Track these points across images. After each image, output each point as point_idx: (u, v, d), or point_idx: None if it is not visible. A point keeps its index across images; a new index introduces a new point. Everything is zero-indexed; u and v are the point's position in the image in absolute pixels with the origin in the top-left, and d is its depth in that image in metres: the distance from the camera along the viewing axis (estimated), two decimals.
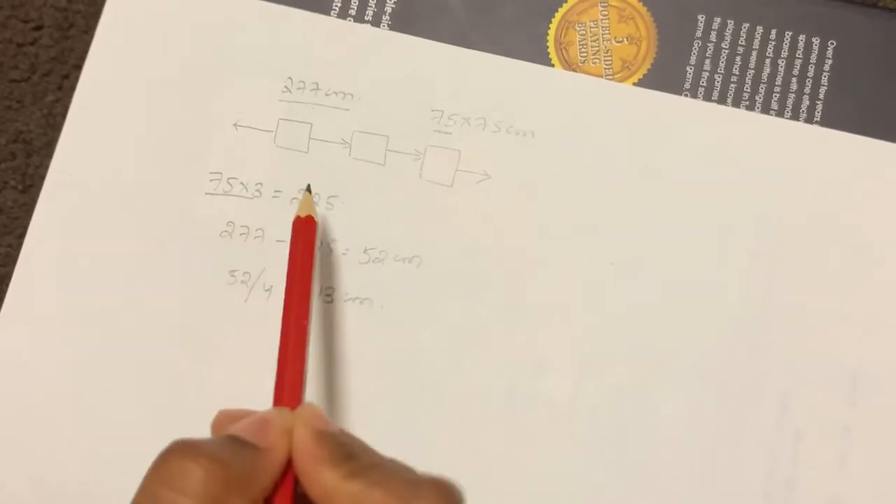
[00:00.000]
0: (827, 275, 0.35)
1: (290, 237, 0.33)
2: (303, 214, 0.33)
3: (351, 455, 0.26)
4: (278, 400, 0.28)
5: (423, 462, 0.34)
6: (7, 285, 0.36)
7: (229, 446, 0.25)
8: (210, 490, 0.23)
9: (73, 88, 0.38)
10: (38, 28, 0.39)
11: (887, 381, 0.34)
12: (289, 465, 0.26)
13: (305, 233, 0.33)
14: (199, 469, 0.23)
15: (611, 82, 0.37)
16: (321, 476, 0.25)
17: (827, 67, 0.37)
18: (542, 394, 0.35)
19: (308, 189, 0.35)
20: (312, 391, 0.35)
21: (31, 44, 0.39)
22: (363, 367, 0.35)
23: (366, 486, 0.24)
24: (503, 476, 0.34)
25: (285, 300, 0.31)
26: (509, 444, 0.35)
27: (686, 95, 0.37)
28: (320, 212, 0.36)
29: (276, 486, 0.26)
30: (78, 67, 0.39)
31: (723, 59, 0.37)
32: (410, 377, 0.35)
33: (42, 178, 0.38)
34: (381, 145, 0.37)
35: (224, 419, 0.28)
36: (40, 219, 0.37)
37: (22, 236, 0.37)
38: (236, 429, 0.26)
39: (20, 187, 0.38)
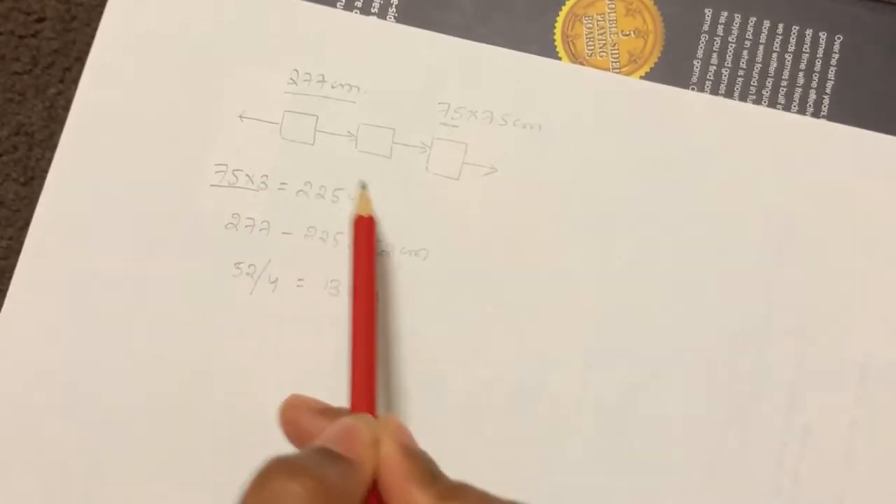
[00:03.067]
0: (834, 269, 0.35)
1: (350, 237, 0.33)
2: (364, 214, 0.33)
3: (436, 476, 0.26)
4: (356, 405, 0.29)
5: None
6: (9, 278, 0.36)
7: (324, 460, 0.25)
8: None
9: (74, 81, 0.38)
10: (41, 20, 0.39)
11: (895, 375, 0.34)
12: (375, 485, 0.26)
13: (366, 232, 0.33)
14: (299, 488, 0.23)
15: (618, 76, 0.37)
16: (411, 495, 0.25)
17: (834, 62, 0.37)
18: (549, 387, 0.35)
19: (363, 186, 0.35)
20: (320, 385, 0.35)
21: (33, 36, 0.39)
22: None
23: None
24: (509, 470, 0.34)
25: (353, 303, 0.31)
26: (516, 439, 0.34)
27: (693, 89, 0.37)
28: (325, 205, 0.36)
29: (366, 500, 0.25)
30: (80, 60, 0.39)
31: (730, 53, 0.37)
32: (417, 370, 0.35)
33: (44, 170, 0.37)
34: (388, 138, 0.36)
35: (296, 407, 0.28)
36: (44, 211, 0.36)
37: (23, 229, 0.37)
38: (326, 439, 0.26)
39: (22, 180, 0.38)
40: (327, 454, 0.25)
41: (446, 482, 0.26)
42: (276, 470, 0.23)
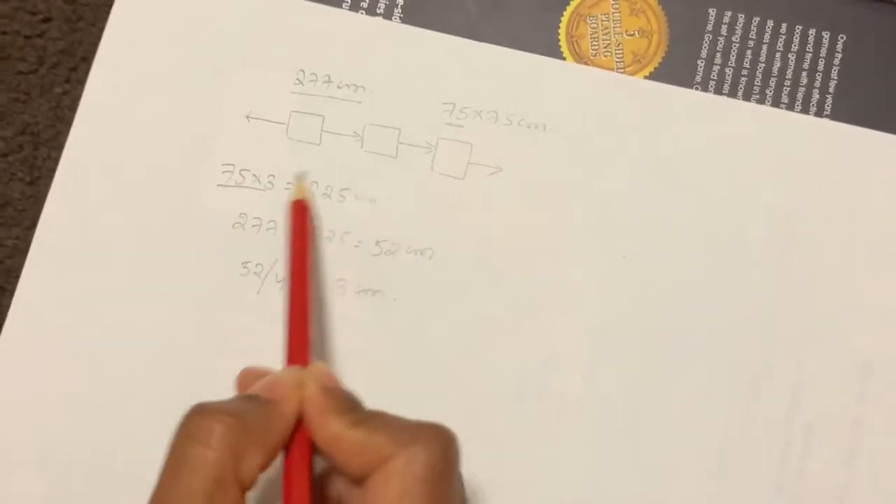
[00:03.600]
0: (837, 267, 0.35)
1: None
2: (299, 197, 0.35)
3: (354, 407, 0.28)
4: (290, 361, 0.31)
5: None
6: (16, 277, 0.36)
7: (245, 402, 0.28)
8: (230, 441, 0.26)
9: (80, 81, 0.38)
10: (47, 20, 0.39)
11: None
12: (301, 420, 0.28)
13: (299, 215, 0.34)
14: (219, 424, 0.26)
15: (622, 75, 0.37)
16: (328, 424, 0.27)
17: (837, 61, 0.37)
18: (553, 386, 0.35)
19: (300, 178, 0.36)
20: None
21: (39, 36, 0.39)
22: (375, 358, 0.35)
23: (368, 432, 0.27)
24: (514, 468, 0.34)
25: (290, 277, 0.33)
26: (520, 436, 0.35)
27: (697, 89, 0.37)
28: (331, 204, 0.36)
29: (293, 436, 0.28)
30: (86, 60, 0.39)
31: (733, 53, 0.37)
32: (422, 369, 0.35)
33: (50, 170, 0.37)
34: (393, 138, 0.37)
35: (247, 375, 0.31)
36: (51, 210, 0.36)
37: (30, 228, 0.37)
38: (252, 389, 0.29)
39: (28, 179, 0.38)
40: (249, 398, 0.28)
41: (362, 411, 0.28)
42: (197, 411, 0.27)
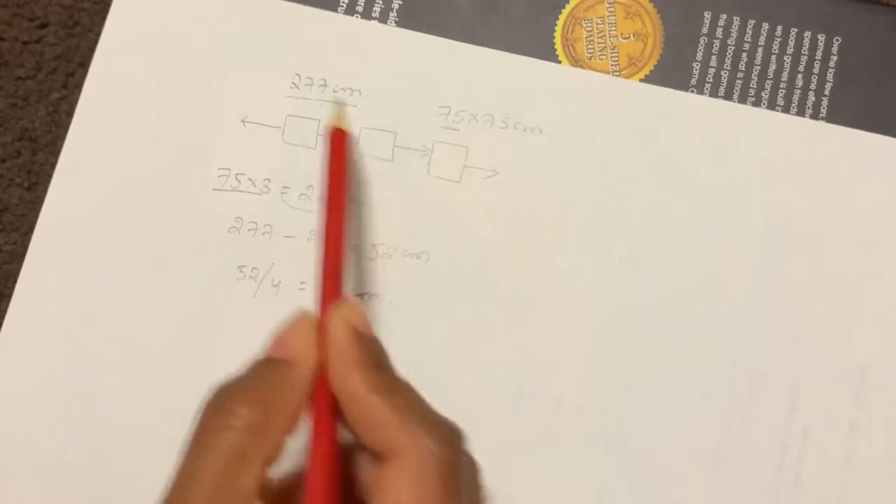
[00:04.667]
0: (834, 270, 0.35)
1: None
2: (339, 125, 0.34)
3: (381, 366, 0.28)
4: (323, 295, 0.30)
5: None
6: (13, 282, 0.36)
7: (261, 371, 0.27)
8: (251, 420, 0.25)
9: (78, 86, 0.38)
10: (44, 26, 0.39)
11: (895, 377, 0.34)
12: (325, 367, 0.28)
13: (338, 142, 0.34)
14: (238, 405, 0.26)
15: (618, 78, 0.37)
16: (350, 378, 0.27)
17: (832, 64, 0.37)
18: (550, 389, 0.35)
19: (341, 104, 0.36)
20: None
21: (37, 42, 0.39)
22: None
23: (387, 405, 0.26)
24: (510, 471, 0.34)
25: (326, 206, 0.32)
26: (517, 440, 0.35)
27: (692, 92, 0.37)
28: None
29: (317, 392, 0.27)
30: (83, 65, 0.39)
31: (729, 56, 0.37)
32: (418, 373, 0.35)
33: (47, 175, 0.38)
34: (389, 141, 0.37)
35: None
36: (48, 216, 0.37)
37: (27, 234, 0.37)
38: (267, 350, 0.28)
39: (25, 185, 0.38)
40: (264, 363, 0.28)
41: (388, 374, 0.28)
42: (216, 396, 0.26)
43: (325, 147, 0.34)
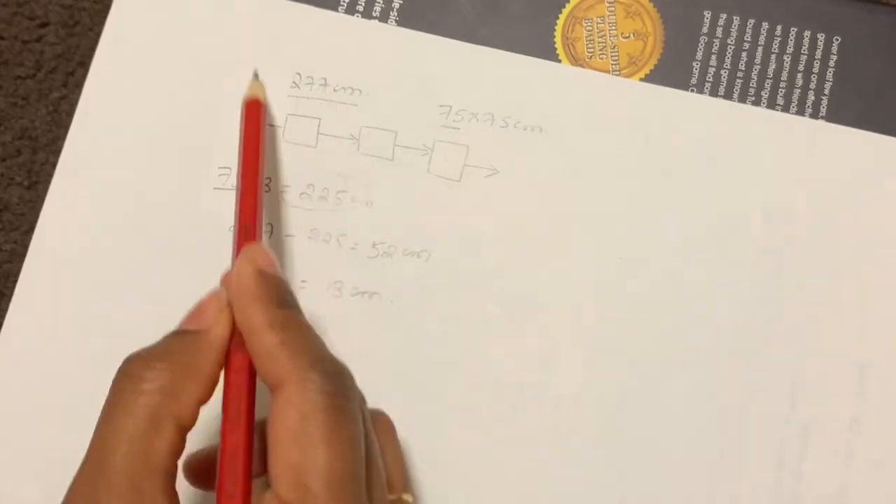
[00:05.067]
0: (834, 268, 0.35)
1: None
2: (250, 97, 0.35)
3: (282, 304, 0.28)
4: (237, 244, 0.30)
5: (430, 456, 0.34)
6: (14, 282, 0.36)
7: (173, 341, 0.28)
8: (161, 382, 0.26)
9: (78, 85, 0.38)
10: (44, 25, 0.39)
11: (895, 374, 0.35)
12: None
13: (252, 115, 0.35)
14: (148, 369, 0.26)
15: (618, 78, 0.37)
16: (252, 313, 0.27)
17: (832, 63, 0.37)
18: (549, 388, 0.35)
19: (256, 75, 0.36)
20: None
21: (37, 41, 0.39)
22: (372, 360, 0.35)
23: (280, 340, 0.26)
24: (510, 470, 0.34)
25: (240, 172, 0.33)
26: (516, 438, 0.35)
27: (693, 91, 0.37)
28: (328, 207, 0.36)
29: (229, 360, 0.28)
30: (83, 64, 0.39)
31: (729, 55, 0.37)
32: (418, 371, 0.35)
33: (48, 174, 0.38)
34: (390, 140, 0.37)
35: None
36: (48, 215, 0.37)
37: (28, 233, 0.37)
38: (181, 323, 0.29)
39: (26, 184, 0.38)
40: (177, 334, 0.28)
41: (288, 312, 0.28)
42: (127, 364, 0.27)
43: (241, 116, 0.35)
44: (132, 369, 0.27)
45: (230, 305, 0.28)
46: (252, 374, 0.28)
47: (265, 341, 0.27)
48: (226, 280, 0.29)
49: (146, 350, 0.27)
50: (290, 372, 0.26)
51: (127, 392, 0.26)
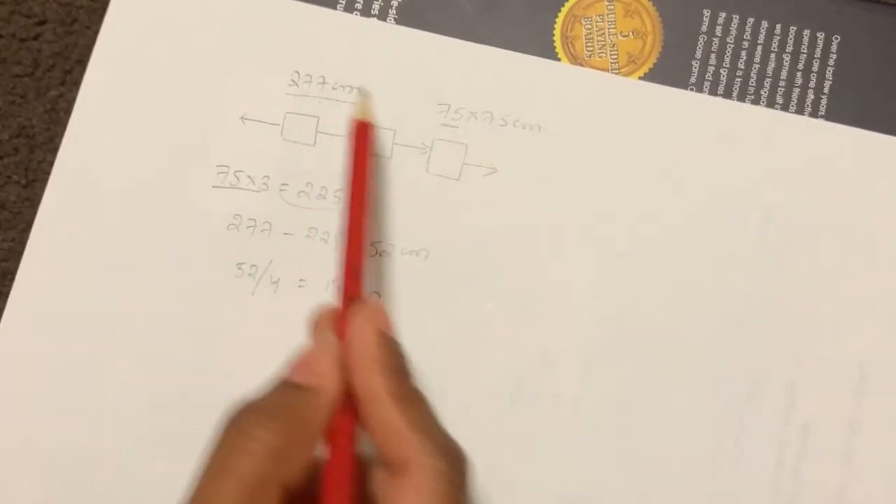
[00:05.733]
0: (833, 268, 0.35)
1: (345, 145, 0.33)
2: (360, 118, 0.34)
3: (402, 372, 0.27)
4: (344, 292, 0.30)
5: None
6: (10, 280, 0.36)
7: (284, 395, 0.27)
8: (272, 445, 0.25)
9: (75, 83, 0.38)
10: (42, 23, 0.39)
11: (895, 374, 0.34)
12: (348, 394, 0.27)
13: (362, 136, 0.33)
14: (260, 429, 0.25)
15: (617, 76, 0.37)
16: (372, 379, 0.27)
17: (831, 62, 0.37)
18: (549, 387, 0.35)
19: (364, 94, 0.35)
20: None
21: (34, 39, 0.39)
22: None
23: (404, 416, 0.26)
24: (510, 469, 0.34)
25: (348, 204, 0.32)
26: (516, 437, 0.35)
27: (692, 90, 0.37)
28: (326, 205, 0.36)
29: (337, 417, 0.27)
30: (81, 62, 0.39)
31: (728, 54, 0.37)
32: (417, 370, 0.35)
33: (45, 172, 0.37)
34: (388, 139, 0.37)
35: (320, 318, 0.30)
36: (46, 213, 0.36)
37: (25, 231, 0.37)
38: (288, 371, 0.28)
39: (23, 182, 0.38)
40: (288, 387, 0.27)
41: (409, 382, 0.27)
42: (239, 415, 0.26)
43: (349, 141, 0.34)
44: (242, 424, 0.26)
45: (342, 362, 0.28)
46: (354, 438, 0.27)
47: (388, 414, 0.26)
48: (337, 331, 0.29)
49: (258, 403, 0.26)
50: (418, 454, 0.26)
51: (235, 451, 0.25)
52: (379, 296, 0.35)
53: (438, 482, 0.25)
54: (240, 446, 0.25)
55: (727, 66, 0.37)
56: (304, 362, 0.28)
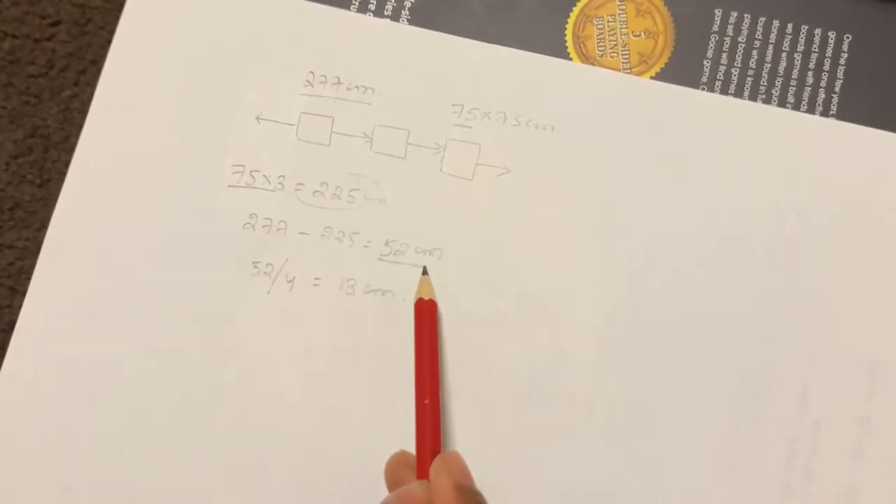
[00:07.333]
0: (845, 266, 0.36)
1: (412, 318, 0.35)
2: (425, 297, 0.35)
3: None
4: (420, 449, 0.32)
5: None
6: (26, 278, 0.36)
7: None
8: None
9: (90, 83, 0.38)
10: (56, 24, 0.40)
11: None
12: None
13: (428, 314, 0.34)
14: None
15: (629, 76, 0.37)
16: None
17: (843, 61, 0.37)
18: (561, 385, 0.35)
19: (425, 271, 0.36)
20: (336, 382, 0.35)
21: (49, 39, 0.39)
22: (384, 358, 0.35)
23: None
24: (522, 467, 0.35)
25: (418, 374, 0.33)
26: (529, 435, 0.35)
27: (703, 89, 0.37)
28: (340, 205, 0.36)
29: None
30: (95, 63, 0.39)
31: (739, 53, 0.37)
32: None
33: (59, 172, 0.38)
34: (402, 139, 0.37)
35: (395, 465, 0.32)
36: (62, 212, 0.37)
37: (39, 230, 0.37)
38: None
39: (38, 182, 0.38)
40: None
41: None
42: None
43: (415, 318, 0.35)
44: None
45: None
46: None
47: None
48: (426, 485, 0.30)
49: None
50: None
51: None
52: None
53: None
54: None
55: (738, 65, 0.37)
56: (398, 498, 0.29)
